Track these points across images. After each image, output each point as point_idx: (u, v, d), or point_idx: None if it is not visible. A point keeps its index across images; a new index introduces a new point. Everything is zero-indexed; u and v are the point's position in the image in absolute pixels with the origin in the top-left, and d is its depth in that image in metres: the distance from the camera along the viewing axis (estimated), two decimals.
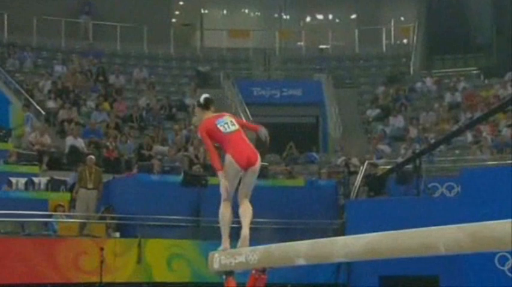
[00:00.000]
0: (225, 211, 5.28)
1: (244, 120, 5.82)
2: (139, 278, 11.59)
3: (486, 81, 19.75)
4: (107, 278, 11.10)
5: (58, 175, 13.48)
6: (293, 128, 19.00)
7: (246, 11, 25.39)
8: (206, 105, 5.46)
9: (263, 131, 5.42)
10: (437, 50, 22.90)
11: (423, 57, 22.53)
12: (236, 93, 19.80)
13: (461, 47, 22.57)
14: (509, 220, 3.10)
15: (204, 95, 5.58)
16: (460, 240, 3.27)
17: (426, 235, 3.45)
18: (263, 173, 14.13)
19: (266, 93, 20.10)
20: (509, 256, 8.69)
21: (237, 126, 5.27)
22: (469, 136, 16.23)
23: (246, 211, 5.24)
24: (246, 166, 5.17)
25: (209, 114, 5.42)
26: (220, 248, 5.25)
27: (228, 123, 5.27)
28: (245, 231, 5.13)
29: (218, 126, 5.26)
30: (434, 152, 13.86)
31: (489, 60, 22.27)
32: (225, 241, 5.25)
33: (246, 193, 5.31)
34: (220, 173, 5.21)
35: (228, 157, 5.19)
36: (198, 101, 5.54)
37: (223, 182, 5.18)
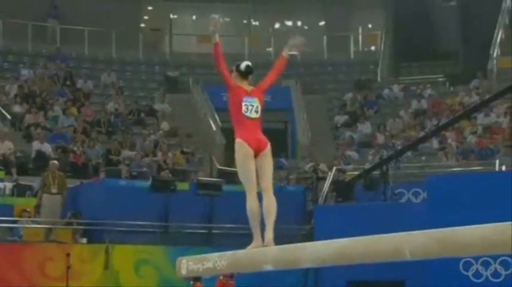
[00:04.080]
0: (251, 203, 4.87)
1: (269, 76, 5.46)
2: (106, 285, 11.47)
3: (452, 88, 20.00)
4: (73, 285, 10.97)
5: (24, 180, 13.32)
6: (269, 132, 18.98)
7: (216, 16, 25.31)
8: (245, 74, 5.15)
9: (293, 44, 5.23)
10: (404, 58, 23.15)
11: (390, 64, 22.75)
12: (205, 99, 19.76)
13: (428, 54, 22.83)
14: (474, 226, 3.14)
15: (246, 62, 5.24)
16: (426, 245, 3.30)
17: (393, 240, 3.48)
18: (232, 179, 14.23)
19: None
20: (473, 262, 8.81)
21: (258, 115, 5.05)
22: (435, 143, 16.42)
23: (271, 206, 4.82)
24: (256, 148, 4.93)
25: (244, 84, 5.13)
26: (251, 246, 4.83)
27: (253, 108, 5.04)
28: (270, 236, 4.72)
29: (243, 103, 5.02)
30: (401, 158, 13.97)
31: (455, 68, 22.58)
32: (257, 238, 4.81)
33: (268, 182, 4.92)
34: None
35: (238, 140, 4.97)
36: (238, 66, 5.19)
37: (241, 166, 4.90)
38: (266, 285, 11.19)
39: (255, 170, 4.95)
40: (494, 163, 13.53)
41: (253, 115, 5.04)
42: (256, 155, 4.95)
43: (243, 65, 5.17)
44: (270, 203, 4.85)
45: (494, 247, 3.08)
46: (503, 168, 12.97)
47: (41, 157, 14.46)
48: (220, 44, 5.13)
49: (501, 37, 20.10)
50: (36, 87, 17.72)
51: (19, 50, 20.28)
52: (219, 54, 5.21)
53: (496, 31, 20.17)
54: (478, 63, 20.15)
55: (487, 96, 14.33)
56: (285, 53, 5.35)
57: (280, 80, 21.48)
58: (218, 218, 12.21)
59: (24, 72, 18.64)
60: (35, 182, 13.13)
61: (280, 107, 19.66)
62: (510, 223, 2.98)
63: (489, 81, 18.93)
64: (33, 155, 14.70)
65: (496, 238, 3.02)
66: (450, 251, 3.24)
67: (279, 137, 20.50)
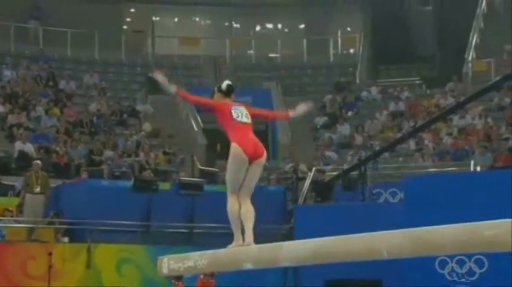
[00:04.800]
0: (232, 206, 4.86)
1: (265, 111, 5.52)
2: (88, 283, 11.41)
3: (428, 91, 20.14)
4: (55, 284, 10.89)
5: (6, 180, 13.21)
6: None
7: (197, 19, 25.35)
8: (227, 93, 5.12)
9: (300, 111, 5.24)
10: (382, 61, 23.29)
11: (369, 67, 22.88)
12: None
13: (405, 58, 22.99)
14: (448, 225, 3.17)
15: (227, 82, 5.21)
16: (402, 245, 3.32)
17: (370, 240, 3.50)
18: (213, 179, 14.23)
19: None
20: (449, 260, 8.87)
21: (249, 121, 5.02)
22: (411, 144, 16.52)
23: (249, 213, 4.81)
24: (253, 156, 4.86)
25: (228, 101, 5.12)
26: (232, 245, 4.85)
27: (242, 114, 5.01)
28: (250, 238, 4.72)
29: (232, 111, 4.98)
30: (378, 159, 14.05)
31: (431, 71, 22.76)
32: (238, 238, 4.82)
33: (250, 190, 4.90)
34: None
35: (234, 145, 4.87)
36: (219, 86, 5.16)
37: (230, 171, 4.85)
38: (246, 284, 11.20)
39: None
40: (469, 164, 13.65)
41: (245, 120, 5.02)
42: (251, 161, 4.89)
43: (224, 84, 5.18)
44: (249, 208, 4.87)
45: (466, 246, 3.12)
46: (478, 168, 13.10)
47: (24, 157, 14.35)
48: (179, 90, 5.08)
49: (476, 41, 20.28)
50: (18, 88, 17.59)
51: (2, 51, 20.08)
52: (185, 96, 5.22)
53: (471, 35, 20.35)
54: (454, 66, 20.32)
55: (462, 99, 14.44)
56: (291, 114, 5.39)
57: (261, 82, 21.63)
58: (199, 217, 12.19)
59: (7, 73, 18.48)
60: (17, 181, 13.03)
61: (261, 109, 19.68)
62: (482, 222, 3.02)
63: (464, 84, 19.09)
64: (15, 155, 14.60)
65: (468, 237, 3.05)
66: (425, 250, 3.27)
67: (260, 138, 20.21)
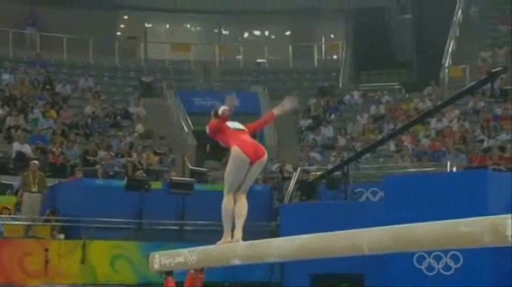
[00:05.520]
0: (228, 203, 4.82)
1: (258, 122, 5.52)
2: (83, 278, 11.36)
3: (407, 95, 20.21)
4: (51, 279, 10.84)
5: (5, 179, 13.13)
6: None
7: (188, 25, 25.33)
8: (223, 118, 5.01)
9: (285, 107, 5.15)
10: (364, 66, 23.35)
11: (351, 72, 22.93)
12: (178, 103, 19.71)
13: (385, 63, 23.07)
14: (425, 223, 3.19)
15: (223, 107, 5.00)
16: (382, 241, 3.34)
17: (352, 236, 3.51)
18: (203, 178, 14.20)
19: (206, 103, 20.03)
20: (426, 256, 8.90)
21: (245, 129, 5.00)
22: (391, 145, 16.58)
23: (242, 210, 4.81)
24: (254, 157, 4.79)
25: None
26: (221, 241, 4.83)
27: (238, 125, 5.00)
28: (239, 235, 4.72)
29: (227, 124, 4.97)
30: (360, 159, 14.08)
31: (410, 76, 22.84)
32: (227, 235, 4.79)
33: (246, 188, 4.89)
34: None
35: (235, 148, 4.79)
36: (216, 112, 5.03)
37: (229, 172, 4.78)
38: (234, 279, 11.19)
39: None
40: (446, 164, 13.72)
41: (240, 127, 5.01)
42: (252, 163, 4.84)
43: (220, 110, 5.04)
44: (243, 205, 4.86)
45: (442, 243, 3.13)
46: (454, 169, 13.18)
47: (21, 157, 14.28)
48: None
49: (452, 48, 20.40)
50: (16, 91, 17.50)
51: (0, 56, 19.96)
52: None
53: (448, 43, 20.46)
54: (431, 72, 20.42)
55: (439, 103, 14.51)
56: (276, 112, 5.31)
57: (249, 86, 21.63)
58: (189, 215, 12.16)
59: (6, 77, 18.37)
60: (15, 181, 12.95)
61: (249, 112, 19.64)
62: (458, 220, 3.03)
63: (441, 89, 19.18)
64: (13, 155, 14.52)
65: (444, 234, 3.07)
66: (403, 246, 3.28)
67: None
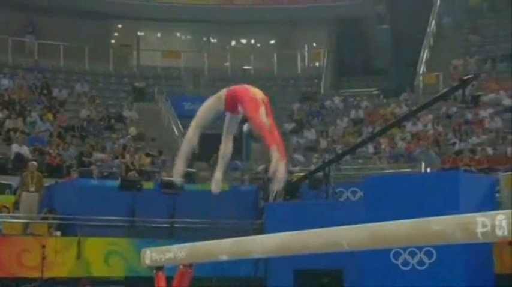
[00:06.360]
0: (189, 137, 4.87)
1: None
2: (78, 273, 11.30)
3: (385, 100, 20.32)
4: (48, 273, 10.78)
5: (4, 179, 13.05)
6: (219, 139, 18.98)
7: (178, 34, 25.31)
8: None
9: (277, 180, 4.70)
10: (344, 73, 23.45)
11: (332, 78, 23.01)
12: (169, 107, 19.68)
13: (364, 70, 23.19)
14: (400, 221, 3.20)
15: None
16: (360, 238, 3.35)
17: (332, 233, 3.51)
18: (192, 178, 14.16)
19: (196, 108, 19.79)
20: (402, 252, 8.93)
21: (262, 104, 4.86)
22: (370, 148, 16.65)
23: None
24: (229, 108, 4.77)
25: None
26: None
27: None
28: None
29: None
30: (341, 161, 14.12)
31: (387, 82, 22.97)
32: (179, 168, 4.85)
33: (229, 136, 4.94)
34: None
35: (224, 91, 4.81)
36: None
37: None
38: (221, 274, 11.18)
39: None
40: (421, 165, 13.80)
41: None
42: (227, 111, 4.84)
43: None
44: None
45: (417, 240, 3.15)
46: (428, 170, 13.25)
47: (20, 158, 14.19)
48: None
49: (426, 57, 20.54)
50: (15, 96, 17.41)
51: (0, 62, 19.85)
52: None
53: (422, 51, 20.61)
54: (407, 79, 20.56)
55: (415, 108, 14.60)
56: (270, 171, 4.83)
57: None
58: (179, 213, 12.13)
59: (5, 82, 18.27)
60: (13, 181, 12.86)
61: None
62: (431, 218, 3.05)
63: (416, 95, 19.31)
64: (12, 156, 14.42)
65: (419, 231, 3.08)
66: (381, 243, 3.29)
67: (235, 142, 20.46)
